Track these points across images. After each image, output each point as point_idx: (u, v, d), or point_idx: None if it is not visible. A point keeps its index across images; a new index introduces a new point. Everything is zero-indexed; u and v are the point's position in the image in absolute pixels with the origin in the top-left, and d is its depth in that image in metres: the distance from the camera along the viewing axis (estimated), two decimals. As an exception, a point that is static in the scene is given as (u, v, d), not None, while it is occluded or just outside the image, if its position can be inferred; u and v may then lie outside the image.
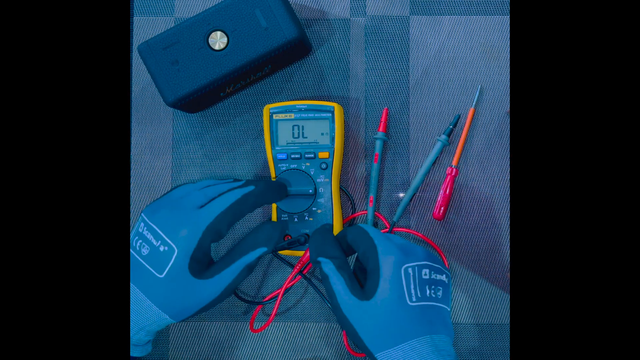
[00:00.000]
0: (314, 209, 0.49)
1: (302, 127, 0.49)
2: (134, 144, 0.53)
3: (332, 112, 0.49)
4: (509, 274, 0.51)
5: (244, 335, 0.52)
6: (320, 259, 0.42)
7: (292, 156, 0.49)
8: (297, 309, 0.52)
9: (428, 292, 0.38)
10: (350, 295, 0.39)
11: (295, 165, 0.49)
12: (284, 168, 0.49)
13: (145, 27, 0.53)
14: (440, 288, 0.39)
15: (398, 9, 0.52)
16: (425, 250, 0.41)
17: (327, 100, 0.51)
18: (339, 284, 0.40)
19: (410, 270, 0.38)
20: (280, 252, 0.49)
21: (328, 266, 0.41)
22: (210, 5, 0.47)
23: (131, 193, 0.52)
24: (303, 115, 0.49)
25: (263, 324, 0.49)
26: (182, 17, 0.53)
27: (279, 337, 0.52)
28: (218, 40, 0.46)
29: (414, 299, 0.38)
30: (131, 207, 0.52)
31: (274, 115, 0.49)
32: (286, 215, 0.49)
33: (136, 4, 0.53)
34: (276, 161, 0.49)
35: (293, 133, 0.49)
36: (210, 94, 0.48)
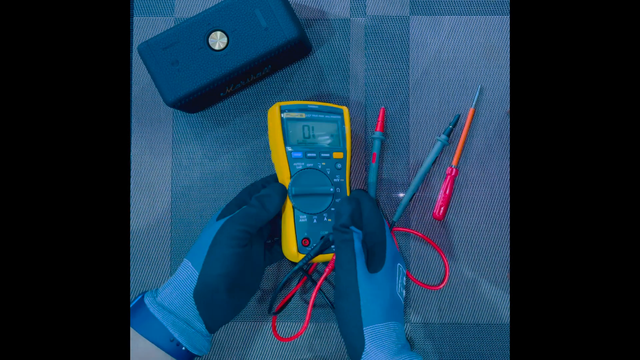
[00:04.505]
0: (332, 209, 0.48)
1: (312, 127, 0.48)
2: (134, 144, 0.53)
3: (342, 115, 0.48)
4: (509, 274, 0.51)
5: (244, 336, 0.52)
6: (353, 228, 0.45)
7: (308, 155, 0.47)
8: (297, 309, 0.52)
9: (404, 292, 0.46)
10: (365, 267, 0.43)
11: (312, 164, 0.47)
12: (300, 167, 0.47)
13: (145, 27, 0.53)
14: (404, 292, 0.46)
15: (398, 9, 0.52)
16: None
17: (326, 101, 0.51)
18: (361, 255, 0.43)
19: (400, 268, 0.46)
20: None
21: (358, 237, 0.44)
22: (210, 5, 0.47)
23: (131, 193, 0.52)
24: (314, 115, 0.48)
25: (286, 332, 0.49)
26: (182, 17, 0.53)
27: (279, 337, 0.52)
28: (218, 40, 0.46)
29: (398, 290, 0.45)
30: (131, 207, 0.52)
31: (285, 114, 0.47)
32: (305, 217, 0.47)
33: (136, 4, 0.53)
34: (291, 159, 0.47)
35: (303, 133, 0.48)
36: (210, 94, 0.48)
